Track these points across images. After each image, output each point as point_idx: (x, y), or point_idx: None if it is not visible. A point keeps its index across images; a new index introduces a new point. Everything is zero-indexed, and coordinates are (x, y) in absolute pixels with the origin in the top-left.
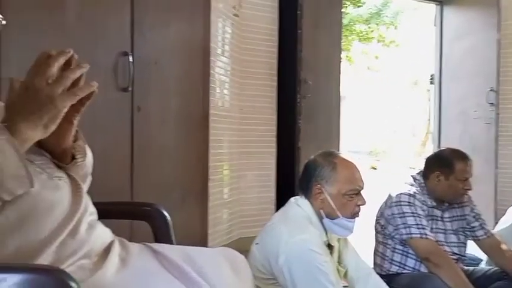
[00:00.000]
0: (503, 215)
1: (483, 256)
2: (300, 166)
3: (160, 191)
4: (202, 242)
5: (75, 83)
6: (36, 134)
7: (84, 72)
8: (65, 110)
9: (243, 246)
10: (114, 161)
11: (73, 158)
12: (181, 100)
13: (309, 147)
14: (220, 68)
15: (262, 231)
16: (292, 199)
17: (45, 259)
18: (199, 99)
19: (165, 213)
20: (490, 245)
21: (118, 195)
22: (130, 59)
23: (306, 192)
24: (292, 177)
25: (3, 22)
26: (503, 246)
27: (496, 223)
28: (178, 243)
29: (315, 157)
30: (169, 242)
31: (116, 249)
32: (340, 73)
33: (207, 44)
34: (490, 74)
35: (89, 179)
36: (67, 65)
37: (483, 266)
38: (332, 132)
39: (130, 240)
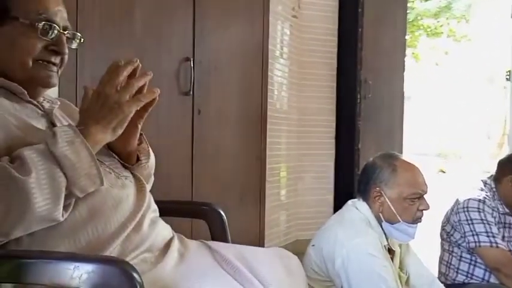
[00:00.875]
0: None
1: None
2: (360, 168)
3: (219, 191)
4: (259, 242)
5: (140, 89)
6: (106, 136)
7: (148, 80)
8: (131, 114)
9: (300, 248)
10: (176, 161)
11: (138, 159)
12: (239, 102)
13: (369, 149)
14: (279, 70)
15: (318, 233)
16: (350, 202)
17: (111, 252)
18: (258, 101)
19: (222, 212)
20: None
21: (179, 194)
22: (192, 64)
23: (364, 195)
24: (352, 180)
25: (82, 40)
26: None
27: None
28: (236, 242)
29: (374, 159)
30: (225, 240)
31: (176, 244)
32: (403, 71)
33: (266, 47)
34: None
35: (152, 179)
36: (133, 73)
37: None
38: (394, 134)
39: (191, 237)
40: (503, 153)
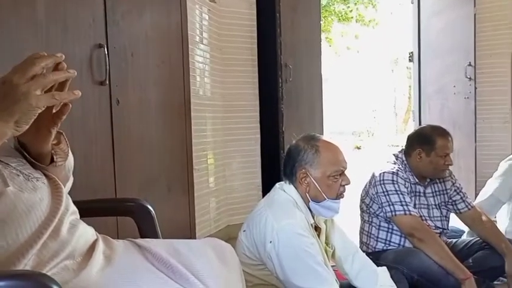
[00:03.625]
0: (483, 187)
1: (465, 228)
2: (285, 151)
3: (145, 184)
4: (191, 232)
5: (60, 89)
6: (6, 130)
7: (70, 80)
8: (39, 110)
9: (231, 233)
10: (95, 157)
11: (52, 160)
12: (160, 90)
13: (293, 131)
14: (199, 56)
15: (249, 218)
16: (277, 185)
17: (26, 264)
18: (180, 88)
19: (149, 207)
20: (471, 217)
21: (101, 192)
22: (106, 50)
23: (291, 178)
24: (278, 163)
25: None
26: (484, 218)
27: (477, 195)
28: (166, 235)
29: (297, 142)
30: (155, 236)
31: (100, 247)
32: (320, 55)
33: (185, 32)
34: (468, 49)
35: (70, 181)
36: (55, 69)
37: (465, 237)
38: (315, 115)
39: (118, 237)
40: (409, 128)
